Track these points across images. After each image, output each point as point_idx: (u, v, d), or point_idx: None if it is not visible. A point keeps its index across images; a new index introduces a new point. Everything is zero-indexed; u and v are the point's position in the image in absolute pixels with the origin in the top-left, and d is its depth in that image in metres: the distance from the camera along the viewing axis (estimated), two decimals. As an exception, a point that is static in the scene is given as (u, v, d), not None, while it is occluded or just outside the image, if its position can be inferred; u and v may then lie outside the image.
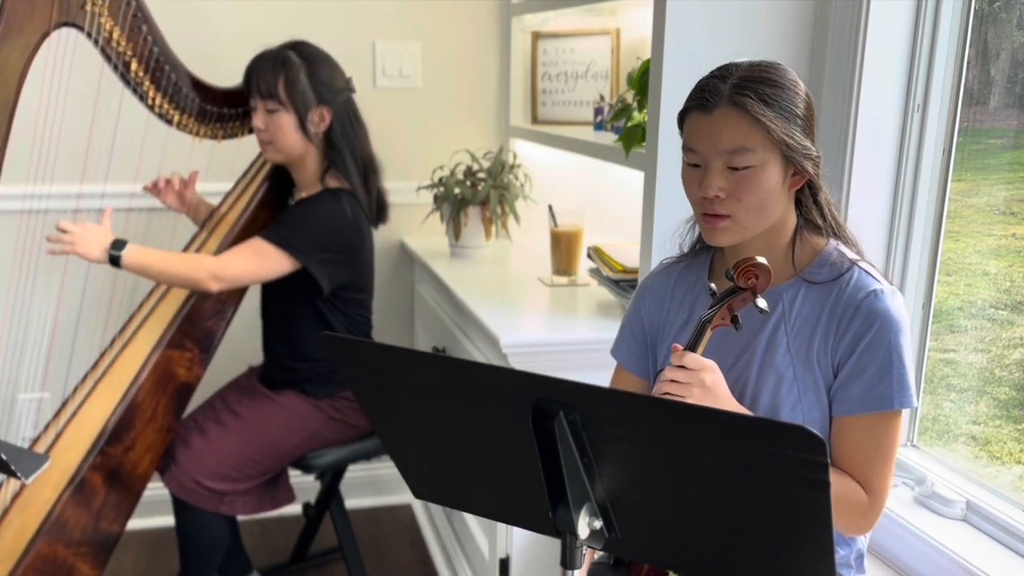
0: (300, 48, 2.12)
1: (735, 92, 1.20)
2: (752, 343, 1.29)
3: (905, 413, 1.30)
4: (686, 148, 1.27)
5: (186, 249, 2.21)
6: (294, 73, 2.08)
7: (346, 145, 2.15)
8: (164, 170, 2.41)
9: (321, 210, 2.11)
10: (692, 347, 1.22)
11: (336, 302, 2.20)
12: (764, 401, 1.27)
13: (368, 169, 2.21)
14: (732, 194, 1.22)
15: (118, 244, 1.97)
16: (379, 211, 2.26)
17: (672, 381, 1.19)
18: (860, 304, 1.23)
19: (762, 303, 1.20)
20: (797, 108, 1.23)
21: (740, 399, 1.28)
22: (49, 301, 2.58)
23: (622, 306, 2.06)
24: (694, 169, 1.26)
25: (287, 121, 2.09)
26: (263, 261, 2.06)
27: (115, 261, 1.96)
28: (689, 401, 1.17)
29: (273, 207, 2.25)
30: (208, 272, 2.02)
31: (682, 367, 1.19)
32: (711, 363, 1.21)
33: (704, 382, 1.19)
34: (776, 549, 0.90)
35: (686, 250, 1.43)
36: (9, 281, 2.51)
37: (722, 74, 1.24)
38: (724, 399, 1.21)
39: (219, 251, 2.12)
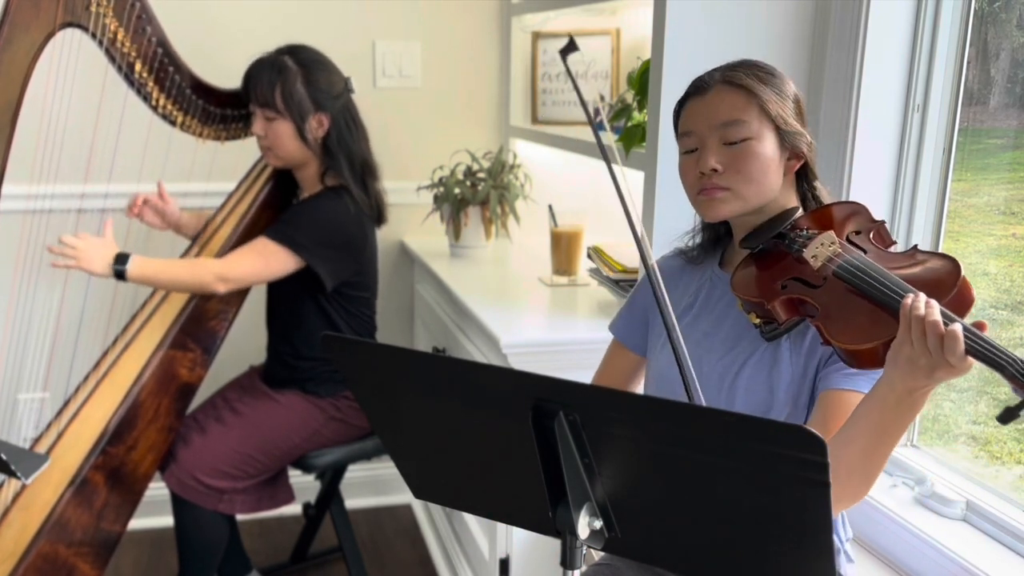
0: (297, 53, 2.11)
1: (728, 71, 1.28)
2: (751, 329, 1.29)
3: None
4: (681, 135, 1.31)
5: (188, 252, 2.22)
6: (291, 81, 2.07)
7: (342, 151, 2.15)
8: (167, 171, 2.41)
9: (323, 206, 2.12)
10: None
11: (340, 300, 2.21)
12: (760, 387, 1.27)
13: (366, 172, 2.20)
14: (730, 166, 1.25)
15: (121, 258, 1.96)
16: (378, 214, 2.26)
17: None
18: None
19: None
20: (788, 93, 1.28)
21: (735, 382, 1.29)
22: (51, 301, 2.58)
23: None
24: (690, 155, 1.30)
25: (285, 129, 2.09)
26: (267, 260, 2.06)
27: (120, 275, 1.96)
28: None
29: (276, 208, 2.24)
30: (214, 275, 2.02)
31: None
32: None
33: None
34: (776, 549, 0.91)
35: (694, 254, 1.43)
36: (12, 281, 2.51)
37: (715, 68, 1.31)
38: None
39: (222, 253, 2.12)
